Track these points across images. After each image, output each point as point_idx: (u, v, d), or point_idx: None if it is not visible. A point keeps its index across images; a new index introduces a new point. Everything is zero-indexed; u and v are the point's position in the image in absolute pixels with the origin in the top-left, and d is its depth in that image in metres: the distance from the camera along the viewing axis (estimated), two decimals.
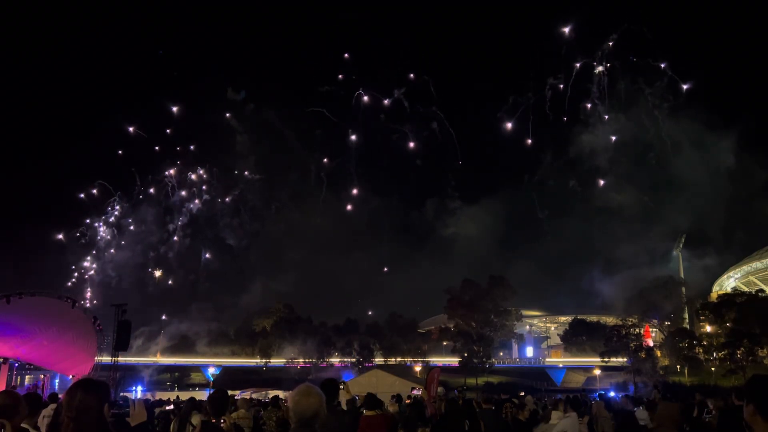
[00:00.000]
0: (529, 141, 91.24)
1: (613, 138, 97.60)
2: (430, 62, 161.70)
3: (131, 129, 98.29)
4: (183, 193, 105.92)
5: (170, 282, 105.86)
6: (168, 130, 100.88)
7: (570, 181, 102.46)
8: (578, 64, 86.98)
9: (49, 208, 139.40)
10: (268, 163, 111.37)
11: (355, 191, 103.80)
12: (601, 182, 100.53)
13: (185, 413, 12.67)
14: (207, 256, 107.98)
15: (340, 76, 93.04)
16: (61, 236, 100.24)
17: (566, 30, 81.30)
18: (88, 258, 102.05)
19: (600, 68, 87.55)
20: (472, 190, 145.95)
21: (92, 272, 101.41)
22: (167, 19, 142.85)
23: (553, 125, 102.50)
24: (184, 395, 31.18)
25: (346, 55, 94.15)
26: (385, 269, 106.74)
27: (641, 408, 17.32)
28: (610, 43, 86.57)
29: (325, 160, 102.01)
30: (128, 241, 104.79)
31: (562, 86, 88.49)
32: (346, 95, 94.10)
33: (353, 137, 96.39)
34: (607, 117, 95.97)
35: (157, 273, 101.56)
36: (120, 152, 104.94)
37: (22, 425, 5.33)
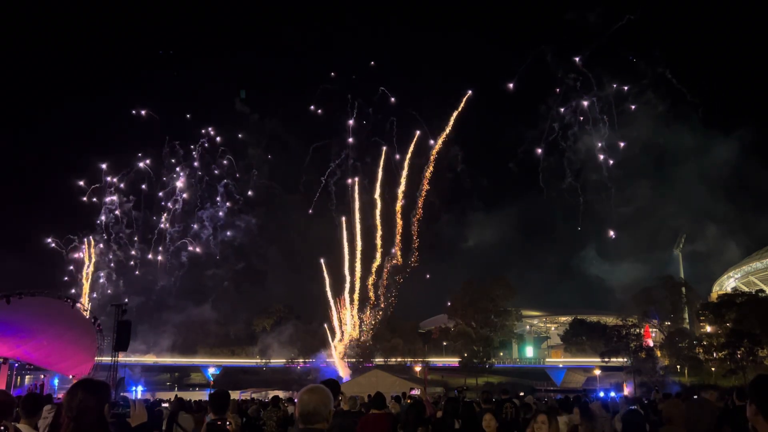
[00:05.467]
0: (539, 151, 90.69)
1: (615, 142, 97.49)
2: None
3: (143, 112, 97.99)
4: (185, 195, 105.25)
5: (170, 279, 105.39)
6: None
7: (573, 183, 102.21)
8: (582, 75, 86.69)
9: (54, 208, 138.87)
10: (274, 167, 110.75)
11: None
12: (603, 185, 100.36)
13: (173, 413, 12.76)
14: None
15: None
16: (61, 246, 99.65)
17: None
18: (93, 258, 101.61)
19: (596, 91, 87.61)
20: (478, 199, 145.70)
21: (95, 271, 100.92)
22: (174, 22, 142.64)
23: (557, 134, 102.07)
24: (184, 395, 31.11)
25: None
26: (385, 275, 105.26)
27: (636, 407, 17.35)
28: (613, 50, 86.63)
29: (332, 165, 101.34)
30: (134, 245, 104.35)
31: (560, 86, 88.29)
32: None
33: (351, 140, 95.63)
34: (608, 119, 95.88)
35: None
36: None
37: (20, 425, 5.34)
